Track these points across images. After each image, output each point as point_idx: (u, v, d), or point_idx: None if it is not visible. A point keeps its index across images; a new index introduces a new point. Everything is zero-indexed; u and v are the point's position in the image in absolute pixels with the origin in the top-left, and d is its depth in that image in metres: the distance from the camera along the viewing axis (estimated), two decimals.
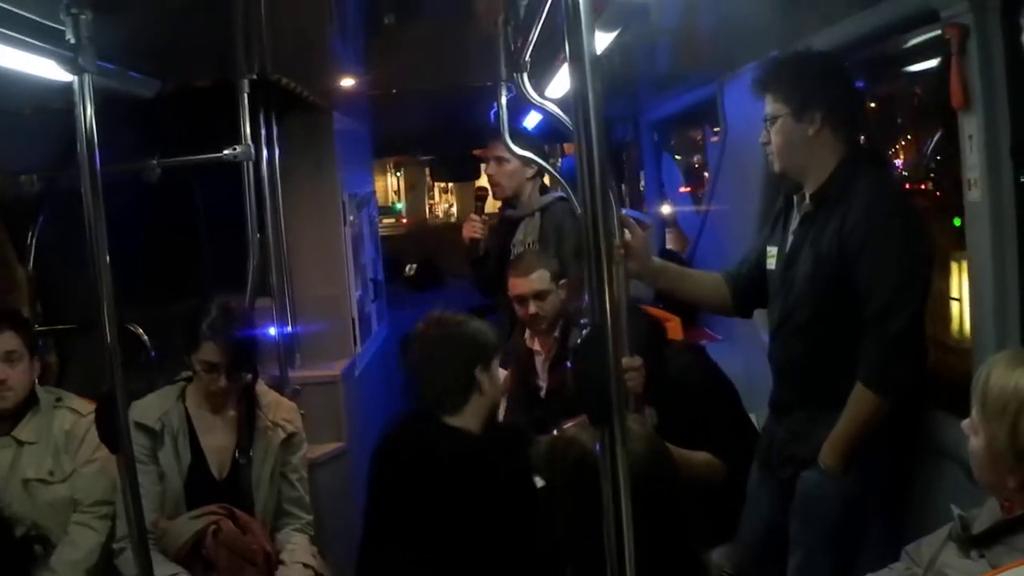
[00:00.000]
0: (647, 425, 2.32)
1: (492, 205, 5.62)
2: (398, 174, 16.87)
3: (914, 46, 3.44)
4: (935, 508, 3.14)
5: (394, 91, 5.42)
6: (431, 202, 17.21)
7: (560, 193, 5.17)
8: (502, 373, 4.56)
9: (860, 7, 3.42)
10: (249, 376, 3.77)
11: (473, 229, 5.16)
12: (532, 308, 4.19)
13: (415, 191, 16.72)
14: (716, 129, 8.43)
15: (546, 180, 5.37)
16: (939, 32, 2.94)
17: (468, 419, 3.13)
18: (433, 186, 16.95)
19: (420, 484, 3.02)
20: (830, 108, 3.20)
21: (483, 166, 5.20)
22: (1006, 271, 2.86)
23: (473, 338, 3.20)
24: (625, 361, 3.14)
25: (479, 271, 5.29)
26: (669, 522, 2.12)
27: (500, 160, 5.01)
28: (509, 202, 5.17)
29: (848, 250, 3.08)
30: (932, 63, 3.54)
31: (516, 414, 4.21)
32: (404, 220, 15.60)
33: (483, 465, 2.98)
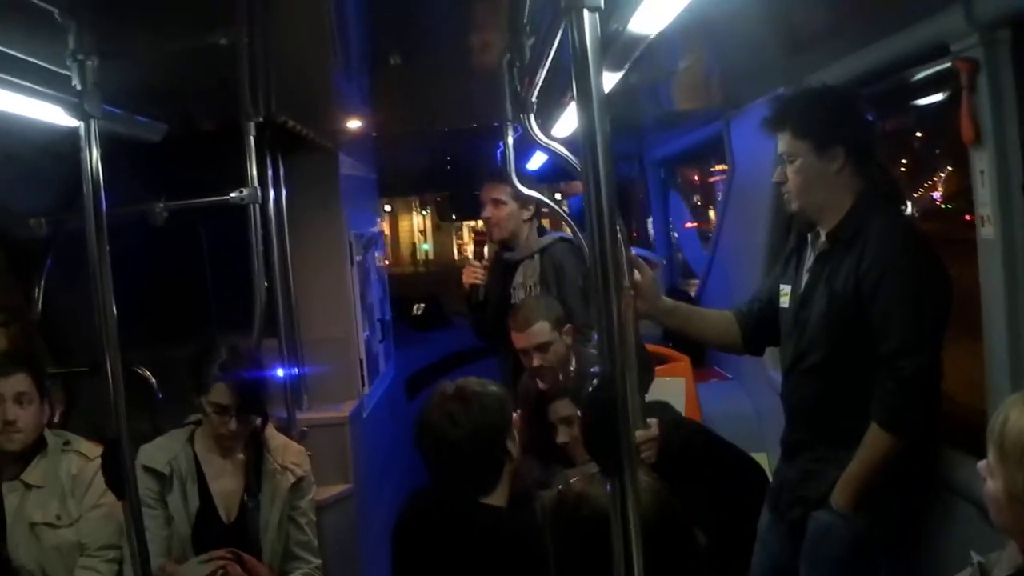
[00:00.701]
0: (651, 473, 2.27)
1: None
2: (424, 212, 16.43)
3: (924, 79, 3.41)
4: (948, 548, 3.12)
5: (399, 132, 5.43)
6: (459, 242, 16.76)
7: (559, 234, 5.16)
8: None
9: (868, 42, 3.41)
10: (259, 420, 3.75)
11: (473, 275, 5.13)
12: (536, 360, 4.14)
13: (441, 230, 16.37)
14: (715, 168, 8.48)
15: (545, 222, 5.35)
16: (949, 66, 2.93)
17: (500, 493, 2.92)
18: (462, 225, 16.59)
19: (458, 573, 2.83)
20: (853, 143, 3.17)
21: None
22: (1019, 309, 2.83)
23: (499, 410, 2.95)
24: (639, 434, 3.07)
25: (478, 316, 5.27)
26: (678, 572, 2.08)
27: (497, 203, 4.99)
28: (506, 244, 5.12)
29: (864, 289, 3.05)
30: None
31: (528, 459, 4.19)
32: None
33: (526, 547, 2.62)
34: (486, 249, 5.28)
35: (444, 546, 2.88)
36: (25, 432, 3.67)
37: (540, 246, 5.02)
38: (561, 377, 3.98)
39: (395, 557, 3.07)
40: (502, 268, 5.15)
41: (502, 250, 5.19)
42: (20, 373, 3.70)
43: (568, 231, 4.88)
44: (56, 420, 3.83)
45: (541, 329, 4.12)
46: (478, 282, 5.10)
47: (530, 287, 4.94)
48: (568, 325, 4.20)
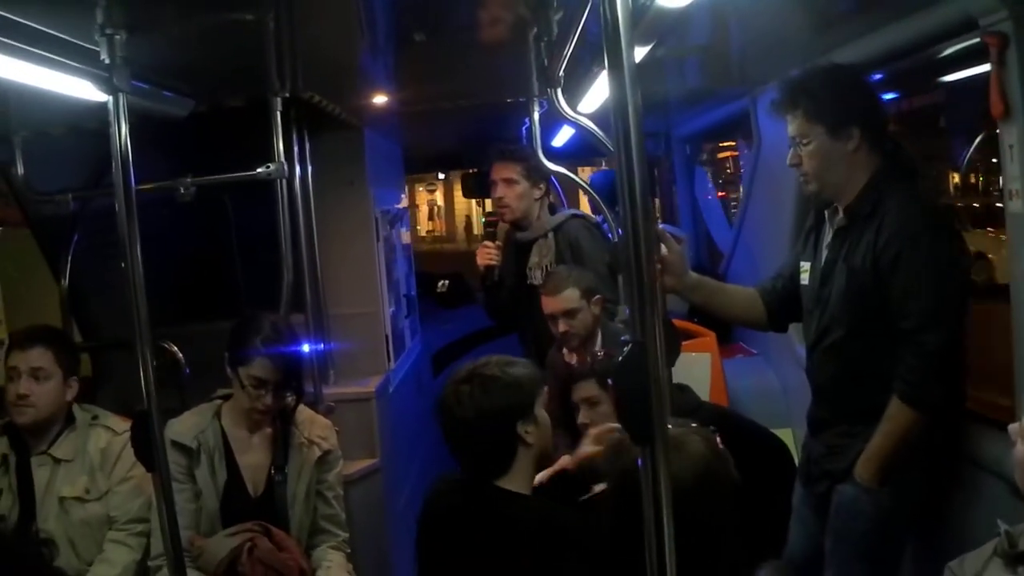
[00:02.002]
0: (712, 442, 2.26)
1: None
2: None
3: (953, 55, 3.38)
4: (974, 522, 3.12)
5: (425, 108, 5.43)
6: None
7: (571, 211, 5.15)
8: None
9: (896, 17, 3.38)
10: (292, 398, 3.78)
11: (488, 256, 5.12)
12: (563, 326, 4.24)
13: None
14: (724, 144, 8.38)
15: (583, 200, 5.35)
16: (978, 41, 2.91)
17: (517, 477, 2.91)
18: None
19: (477, 558, 2.83)
20: (867, 121, 3.17)
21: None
22: None
23: (510, 392, 2.93)
24: None
25: (492, 298, 5.29)
26: (718, 542, 2.09)
27: (508, 182, 4.98)
28: (518, 224, 5.11)
29: (882, 265, 3.06)
30: None
31: (557, 427, 4.20)
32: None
33: (542, 534, 2.76)
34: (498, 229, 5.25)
35: (463, 530, 2.91)
36: (37, 407, 3.70)
37: (553, 224, 5.02)
38: (589, 359, 4.00)
39: (420, 537, 3.08)
40: (515, 248, 5.16)
41: (515, 230, 5.18)
42: (38, 348, 3.73)
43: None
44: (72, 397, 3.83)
45: (570, 296, 4.20)
46: (493, 263, 5.09)
47: (546, 266, 4.93)
48: (597, 296, 4.23)
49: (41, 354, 3.72)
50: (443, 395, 2.96)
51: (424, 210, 34.27)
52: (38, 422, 3.72)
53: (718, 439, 2.33)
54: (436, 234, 35.05)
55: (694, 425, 2.22)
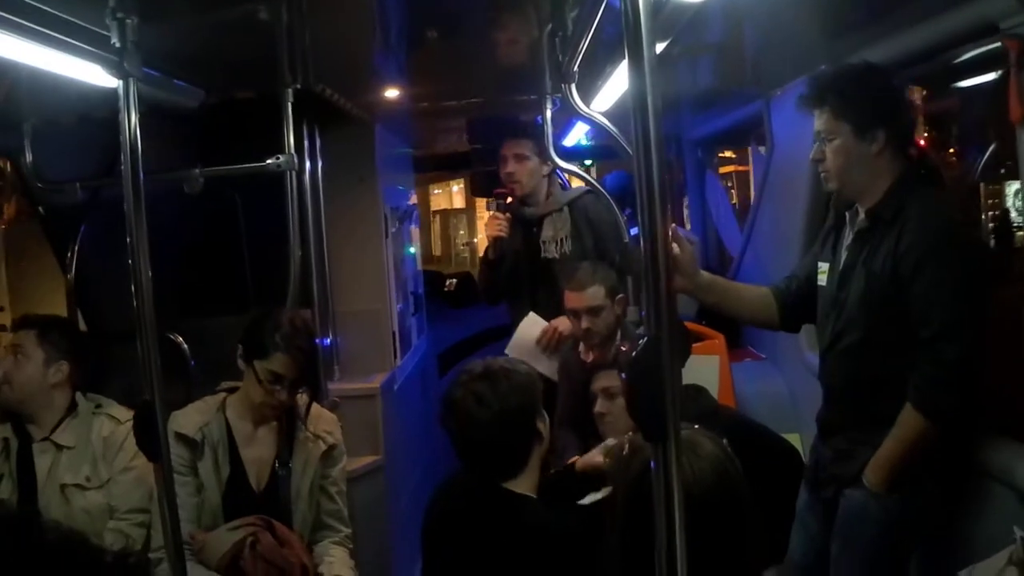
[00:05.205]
0: (719, 441, 2.24)
1: None
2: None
3: (971, 59, 3.36)
4: (983, 533, 3.10)
5: (436, 106, 5.42)
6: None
7: (584, 188, 5.15)
8: None
9: (914, 21, 3.36)
10: (304, 394, 3.76)
11: (498, 227, 5.08)
12: (585, 323, 4.21)
13: None
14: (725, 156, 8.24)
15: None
16: (997, 45, 2.89)
17: (528, 478, 2.86)
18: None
19: (487, 563, 2.77)
20: (893, 124, 3.14)
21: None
22: None
23: (528, 386, 2.89)
24: None
25: (491, 274, 5.25)
26: (732, 544, 2.07)
27: (520, 158, 5.04)
28: (525, 200, 5.12)
29: (902, 271, 3.03)
30: None
31: (567, 428, 4.19)
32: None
33: (553, 539, 2.70)
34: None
35: (468, 535, 2.86)
36: (10, 385, 3.72)
37: (568, 199, 5.07)
38: (610, 354, 3.99)
39: (425, 545, 3.04)
40: (522, 224, 5.14)
41: (520, 206, 5.15)
42: (23, 329, 3.80)
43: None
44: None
45: (596, 293, 4.20)
46: (502, 234, 5.08)
47: (561, 240, 4.98)
48: (620, 295, 4.22)
49: (24, 334, 3.77)
50: (455, 397, 2.86)
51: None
52: (13, 402, 3.74)
53: (725, 442, 2.31)
54: None
55: (696, 427, 2.20)
